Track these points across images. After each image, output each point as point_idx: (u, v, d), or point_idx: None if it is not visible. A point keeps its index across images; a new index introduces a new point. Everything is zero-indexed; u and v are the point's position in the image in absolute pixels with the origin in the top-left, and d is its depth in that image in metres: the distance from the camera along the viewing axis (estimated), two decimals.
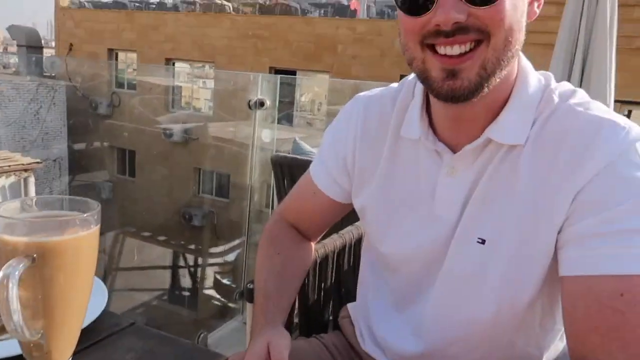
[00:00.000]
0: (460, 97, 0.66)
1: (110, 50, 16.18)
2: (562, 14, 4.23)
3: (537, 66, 0.77)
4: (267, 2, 14.58)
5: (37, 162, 2.83)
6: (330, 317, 1.17)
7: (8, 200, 1.30)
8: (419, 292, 0.84)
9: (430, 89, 0.69)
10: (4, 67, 18.07)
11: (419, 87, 0.79)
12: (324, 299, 1.14)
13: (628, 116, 9.82)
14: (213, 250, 8.62)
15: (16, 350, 0.60)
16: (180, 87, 12.83)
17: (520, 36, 0.67)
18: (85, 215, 0.57)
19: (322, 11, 13.89)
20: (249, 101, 3.27)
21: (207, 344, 3.49)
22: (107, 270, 8.34)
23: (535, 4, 0.71)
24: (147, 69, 15.28)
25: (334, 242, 1.14)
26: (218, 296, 7.11)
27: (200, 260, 8.88)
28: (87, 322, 0.71)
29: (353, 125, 0.87)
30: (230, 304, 6.10)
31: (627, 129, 0.65)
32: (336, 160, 0.90)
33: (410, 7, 0.64)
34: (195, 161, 10.28)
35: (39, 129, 9.97)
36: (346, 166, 0.89)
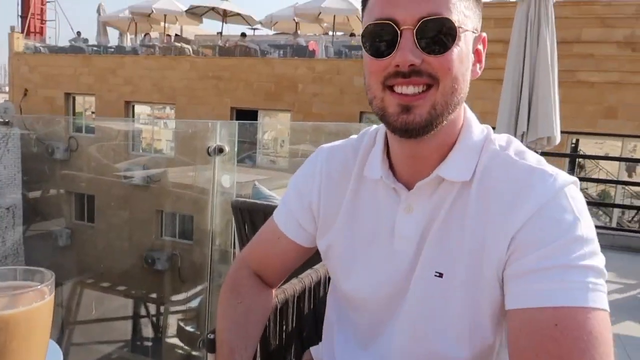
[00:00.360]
0: (412, 131, 0.74)
1: (68, 95, 15.94)
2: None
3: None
4: (227, 45, 14.77)
5: None
6: None
7: None
8: (384, 328, 0.86)
9: (387, 123, 0.77)
10: None
11: (380, 133, 0.88)
12: (286, 345, 1.13)
13: (576, 145, 10.31)
14: (176, 297, 8.39)
15: None
16: (141, 129, 12.68)
17: (464, 87, 0.77)
18: (39, 286, 0.57)
19: (281, 52, 14.15)
20: (208, 148, 3.26)
21: None
22: (64, 324, 7.93)
23: (478, 65, 0.81)
24: (106, 112, 15.09)
25: (294, 286, 1.13)
26: (182, 344, 6.87)
27: (162, 309, 8.59)
28: None
29: (318, 172, 0.93)
30: (194, 352, 5.89)
31: (555, 176, 0.73)
32: (301, 206, 0.95)
33: (376, 51, 0.74)
34: (157, 203, 10.08)
35: None
36: (311, 211, 0.94)
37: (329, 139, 1.05)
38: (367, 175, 0.87)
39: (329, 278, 1.04)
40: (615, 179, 10.44)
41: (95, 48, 16.74)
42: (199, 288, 6.32)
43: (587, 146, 11.17)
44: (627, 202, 11.20)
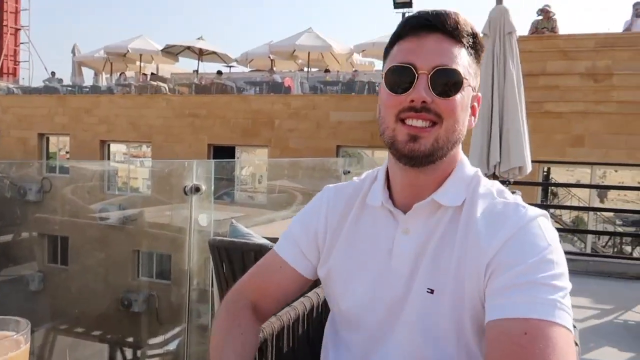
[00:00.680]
0: (417, 158, 0.87)
1: (41, 135, 15.74)
2: None
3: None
4: (203, 82, 14.88)
5: None
6: None
7: None
8: (382, 345, 0.92)
9: (396, 150, 0.89)
10: None
11: (382, 170, 1.01)
12: None
13: (548, 173, 10.58)
14: (153, 340, 8.12)
15: None
16: (117, 168, 12.54)
17: (463, 129, 0.90)
18: (14, 336, 0.57)
19: (258, 89, 14.29)
20: (185, 187, 3.25)
21: None
22: None
23: (472, 118, 0.95)
24: (81, 152, 14.91)
25: (288, 314, 1.15)
26: None
27: (139, 353, 8.29)
28: None
29: (325, 205, 1.05)
30: None
31: (526, 209, 0.86)
32: (306, 236, 1.03)
33: (396, 88, 0.87)
34: (133, 243, 9.88)
35: None
36: (317, 240, 1.03)
37: (307, 173, 1.10)
38: (369, 202, 0.99)
39: (324, 304, 1.06)
40: (587, 205, 10.70)
41: (70, 88, 16.66)
42: (177, 330, 6.15)
43: (559, 174, 11.48)
44: (600, 227, 11.46)
